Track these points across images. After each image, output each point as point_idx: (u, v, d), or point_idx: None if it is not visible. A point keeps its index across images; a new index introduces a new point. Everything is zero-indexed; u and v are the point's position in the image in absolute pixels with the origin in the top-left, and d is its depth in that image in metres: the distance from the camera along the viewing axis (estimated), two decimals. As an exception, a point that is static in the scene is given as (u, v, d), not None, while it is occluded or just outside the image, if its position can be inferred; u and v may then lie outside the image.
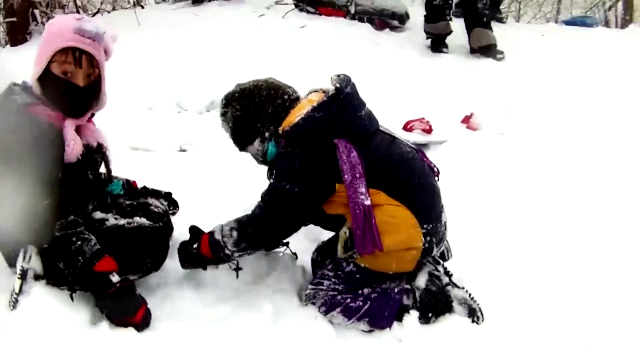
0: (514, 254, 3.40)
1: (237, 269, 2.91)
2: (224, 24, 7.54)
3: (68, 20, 2.69)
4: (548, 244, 3.56)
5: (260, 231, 2.76)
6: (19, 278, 2.62)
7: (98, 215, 2.90)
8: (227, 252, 2.78)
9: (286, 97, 2.85)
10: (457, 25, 7.82)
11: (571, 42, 8.58)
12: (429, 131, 4.99)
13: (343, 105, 2.72)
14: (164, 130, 5.02)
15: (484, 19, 7.66)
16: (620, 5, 15.60)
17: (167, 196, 3.27)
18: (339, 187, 2.67)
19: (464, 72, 6.95)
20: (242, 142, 2.92)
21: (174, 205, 3.27)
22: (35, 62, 2.70)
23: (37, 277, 2.67)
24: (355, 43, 7.49)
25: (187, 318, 2.74)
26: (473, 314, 2.79)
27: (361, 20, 8.40)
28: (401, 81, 6.41)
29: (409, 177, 2.76)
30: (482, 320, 2.79)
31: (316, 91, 2.87)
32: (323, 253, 3.05)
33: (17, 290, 2.61)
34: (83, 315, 2.63)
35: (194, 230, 2.93)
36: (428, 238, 2.72)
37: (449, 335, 2.68)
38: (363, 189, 2.62)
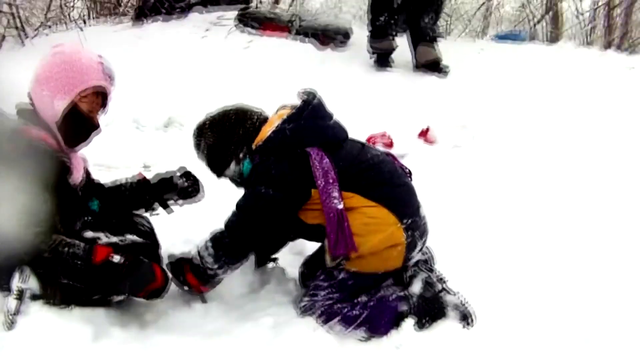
0: (488, 258, 3.52)
1: (203, 299, 2.99)
2: (168, 44, 7.52)
3: (91, 56, 2.78)
4: (517, 247, 3.70)
5: (237, 238, 2.83)
6: (15, 298, 2.60)
7: (89, 234, 2.88)
8: (210, 272, 2.85)
9: (255, 117, 2.98)
10: (400, 41, 7.95)
11: (508, 56, 8.81)
12: (390, 145, 5.11)
13: (311, 115, 2.88)
14: (124, 147, 5.00)
15: (428, 36, 7.79)
16: (547, 19, 16.04)
17: (186, 175, 3.26)
18: (314, 192, 2.77)
19: (412, 87, 7.08)
20: (219, 167, 3.01)
21: (188, 178, 3.24)
22: (55, 90, 2.70)
23: (34, 297, 2.65)
24: (301, 61, 7.54)
25: (187, 332, 2.75)
26: (465, 318, 2.86)
27: (305, 35, 8.44)
28: (351, 98, 6.46)
29: (381, 178, 2.88)
30: (474, 324, 2.86)
31: (284, 107, 2.98)
32: (311, 266, 3.10)
33: (12, 311, 2.59)
34: (85, 332, 2.61)
35: (175, 264, 2.96)
36: (410, 232, 2.82)
37: (445, 340, 2.75)
38: (336, 194, 2.73)
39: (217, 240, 2.83)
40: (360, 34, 8.45)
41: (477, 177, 4.77)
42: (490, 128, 6.01)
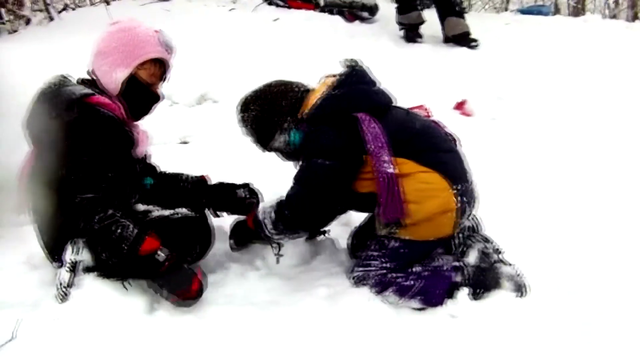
0: (531, 229, 3.50)
1: (279, 254, 3.01)
2: (197, 19, 7.46)
3: (147, 28, 2.85)
4: (560, 219, 3.68)
5: (296, 212, 2.81)
6: (68, 270, 2.62)
7: (141, 207, 2.94)
8: (267, 233, 2.87)
9: (297, 89, 2.97)
10: (428, 14, 7.88)
11: (535, 30, 8.72)
12: (427, 117, 5.02)
13: (358, 81, 2.88)
14: (159, 124, 4.93)
15: (457, 8, 7.73)
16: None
17: (245, 187, 3.26)
18: (366, 158, 2.76)
19: (443, 60, 7.04)
20: (265, 140, 3.00)
21: (252, 194, 3.25)
22: (114, 63, 2.78)
23: (87, 269, 2.67)
24: (330, 35, 7.49)
25: (240, 303, 2.76)
26: (519, 289, 2.84)
27: (331, 12, 8.39)
28: (383, 71, 6.31)
29: (431, 143, 2.87)
30: (526, 295, 2.83)
31: (328, 76, 2.96)
32: (359, 237, 3.09)
33: (66, 283, 2.61)
34: (138, 304, 2.64)
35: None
36: (461, 198, 2.79)
37: (500, 311, 2.72)
38: (386, 157, 2.71)
39: (279, 210, 2.82)
40: (387, 9, 8.41)
41: (517, 149, 4.75)
42: (525, 100, 5.97)
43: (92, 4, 8.50)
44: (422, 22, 7.82)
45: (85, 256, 2.66)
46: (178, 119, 5.10)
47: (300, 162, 2.88)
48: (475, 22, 8.17)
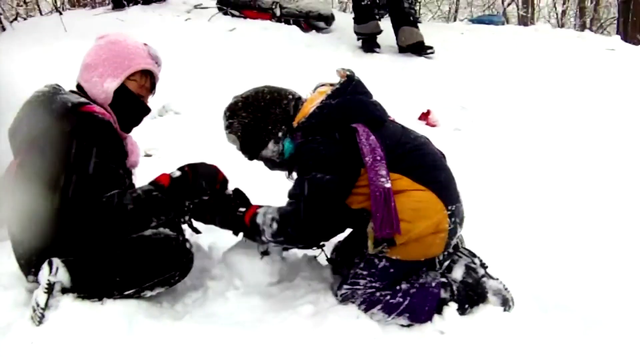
0: (501, 241, 3.48)
1: (265, 252, 2.93)
2: (152, 29, 7.30)
3: (136, 41, 2.90)
4: (531, 229, 3.71)
5: (300, 229, 2.68)
6: (44, 292, 2.52)
7: None
8: (263, 238, 2.77)
9: (290, 96, 2.90)
10: (383, 24, 7.91)
11: (489, 39, 8.88)
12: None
13: (356, 91, 2.81)
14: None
15: (411, 18, 7.77)
16: (519, 2, 16.16)
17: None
18: (362, 172, 2.68)
19: (402, 70, 7.08)
20: (254, 148, 2.92)
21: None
22: (105, 74, 2.80)
23: (64, 290, 2.58)
24: (288, 45, 7.50)
25: (223, 322, 2.68)
26: (505, 303, 2.81)
27: (287, 22, 8.36)
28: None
29: (427, 160, 2.80)
30: (511, 310, 2.81)
31: (323, 85, 2.90)
32: (342, 252, 3.03)
33: (42, 305, 2.50)
34: (118, 325, 2.53)
35: (240, 195, 2.98)
36: (453, 219, 2.74)
37: (488, 326, 2.68)
38: (383, 172, 2.62)
39: (282, 224, 2.69)
40: (342, 19, 8.43)
41: (482, 160, 4.76)
42: (488, 110, 6.04)
43: (42, 14, 8.32)
44: (380, 31, 7.86)
45: (62, 277, 2.56)
46: (140, 131, 4.95)
47: (294, 174, 2.84)
48: (430, 31, 8.26)
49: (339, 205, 2.70)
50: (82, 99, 2.71)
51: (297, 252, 3.14)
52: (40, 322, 2.49)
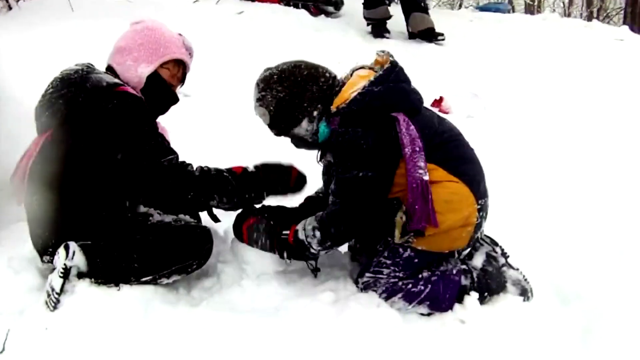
0: (522, 233, 3.40)
1: (316, 269, 2.85)
2: (160, 11, 7.20)
3: (171, 31, 2.90)
4: (551, 221, 3.63)
5: (344, 228, 2.65)
6: (60, 276, 2.47)
7: (141, 208, 2.83)
8: (312, 251, 2.71)
9: (327, 75, 2.77)
10: (393, 10, 7.84)
11: (497, 27, 8.85)
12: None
13: (398, 78, 2.69)
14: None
15: (422, 4, 7.72)
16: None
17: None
18: (400, 163, 2.59)
19: (413, 56, 6.98)
20: (286, 124, 2.78)
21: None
22: (140, 58, 2.79)
23: (80, 275, 2.54)
24: (297, 29, 7.42)
25: (240, 310, 2.64)
26: (524, 293, 2.77)
27: (296, 6, 8.29)
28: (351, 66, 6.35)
29: (461, 152, 2.74)
30: (530, 300, 2.78)
31: (362, 67, 2.79)
32: (361, 239, 2.94)
33: (58, 290, 2.46)
34: (134, 311, 2.51)
35: (272, 211, 2.93)
36: (481, 213, 2.71)
37: (508, 316, 2.65)
38: (422, 163, 2.54)
39: (323, 228, 2.64)
40: (350, 4, 8.35)
41: (497, 148, 4.65)
42: (499, 98, 5.98)
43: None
44: (389, 17, 7.79)
45: (78, 261, 2.52)
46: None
47: (322, 161, 2.81)
48: (439, 18, 8.20)
49: (382, 200, 2.63)
50: (117, 80, 2.70)
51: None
52: (55, 307, 2.45)
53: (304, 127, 2.76)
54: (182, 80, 2.97)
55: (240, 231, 2.85)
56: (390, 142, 2.57)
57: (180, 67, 2.91)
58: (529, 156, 4.60)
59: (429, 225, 2.54)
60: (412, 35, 7.74)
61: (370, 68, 2.77)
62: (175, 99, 2.95)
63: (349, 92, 2.65)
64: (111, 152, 2.59)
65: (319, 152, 2.82)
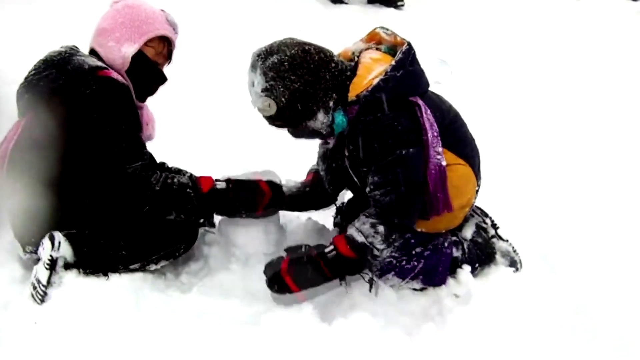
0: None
1: (372, 281, 2.58)
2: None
3: (152, 7, 2.76)
4: (515, 183, 3.71)
5: (407, 213, 2.50)
6: (46, 268, 2.40)
7: None
8: (375, 252, 2.49)
9: (335, 58, 2.53)
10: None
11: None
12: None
13: (414, 61, 2.56)
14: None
15: None
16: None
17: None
18: None
19: (373, 21, 6.84)
20: (299, 117, 2.51)
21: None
22: (122, 38, 2.67)
23: (67, 266, 2.47)
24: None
25: (230, 294, 2.61)
26: (514, 265, 2.78)
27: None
28: (314, 34, 6.18)
29: (464, 131, 2.68)
30: (520, 271, 2.78)
31: (369, 49, 2.63)
32: (347, 216, 2.87)
33: (44, 282, 2.39)
34: (125, 301, 2.44)
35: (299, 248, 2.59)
36: (476, 195, 2.70)
37: (503, 288, 2.63)
38: (440, 149, 2.46)
39: (386, 221, 2.48)
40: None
41: (468, 114, 4.60)
42: (466, 62, 5.95)
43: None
44: (349, -19, 7.67)
45: (65, 251, 2.45)
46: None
47: (362, 158, 2.52)
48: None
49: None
50: (100, 63, 2.60)
51: (300, 218, 3.03)
52: (42, 300, 2.38)
53: (319, 120, 2.51)
54: (168, 58, 2.84)
55: (284, 282, 2.48)
56: (417, 125, 2.47)
57: (165, 44, 2.78)
58: (502, 121, 4.59)
59: (446, 211, 2.50)
60: (371, 0, 7.64)
61: (377, 48, 2.63)
62: (163, 78, 2.82)
63: (368, 77, 2.48)
64: (87, 140, 2.50)
65: (337, 146, 2.67)
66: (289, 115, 2.49)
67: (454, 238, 2.72)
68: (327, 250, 2.49)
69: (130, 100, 2.59)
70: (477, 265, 2.72)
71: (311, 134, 2.61)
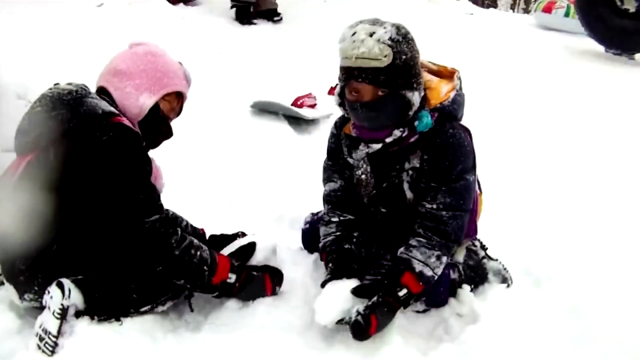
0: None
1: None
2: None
3: (173, 59, 2.69)
4: (520, 209, 3.78)
5: (461, 237, 2.64)
6: (57, 318, 2.30)
7: None
8: (435, 278, 2.57)
9: None
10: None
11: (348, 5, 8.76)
12: (314, 107, 4.96)
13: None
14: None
15: None
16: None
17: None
18: None
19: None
20: (404, 81, 2.41)
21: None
22: (142, 86, 2.57)
23: (77, 314, 2.38)
24: (160, 18, 7.06)
25: (243, 329, 2.56)
26: (505, 281, 2.88)
27: (150, -4, 7.94)
28: (224, 57, 6.29)
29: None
30: (511, 285, 2.88)
31: (431, 62, 2.74)
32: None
33: (54, 332, 2.29)
34: (143, 343, 2.39)
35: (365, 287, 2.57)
36: None
37: (503, 305, 2.71)
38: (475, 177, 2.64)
39: (446, 249, 2.58)
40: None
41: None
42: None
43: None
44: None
45: (75, 299, 2.36)
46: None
47: (429, 171, 2.56)
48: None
49: None
50: (112, 109, 2.48)
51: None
52: (53, 352, 2.27)
53: (413, 99, 2.45)
54: (178, 113, 2.78)
55: (369, 335, 2.42)
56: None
57: (179, 100, 2.72)
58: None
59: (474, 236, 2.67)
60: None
61: (432, 62, 2.71)
62: (170, 134, 2.75)
63: (442, 89, 2.56)
64: (99, 187, 2.39)
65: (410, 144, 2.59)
66: (398, 73, 2.39)
67: (450, 261, 2.76)
68: (400, 294, 2.47)
69: (144, 150, 2.51)
70: (472, 286, 2.80)
71: (389, 114, 2.48)
